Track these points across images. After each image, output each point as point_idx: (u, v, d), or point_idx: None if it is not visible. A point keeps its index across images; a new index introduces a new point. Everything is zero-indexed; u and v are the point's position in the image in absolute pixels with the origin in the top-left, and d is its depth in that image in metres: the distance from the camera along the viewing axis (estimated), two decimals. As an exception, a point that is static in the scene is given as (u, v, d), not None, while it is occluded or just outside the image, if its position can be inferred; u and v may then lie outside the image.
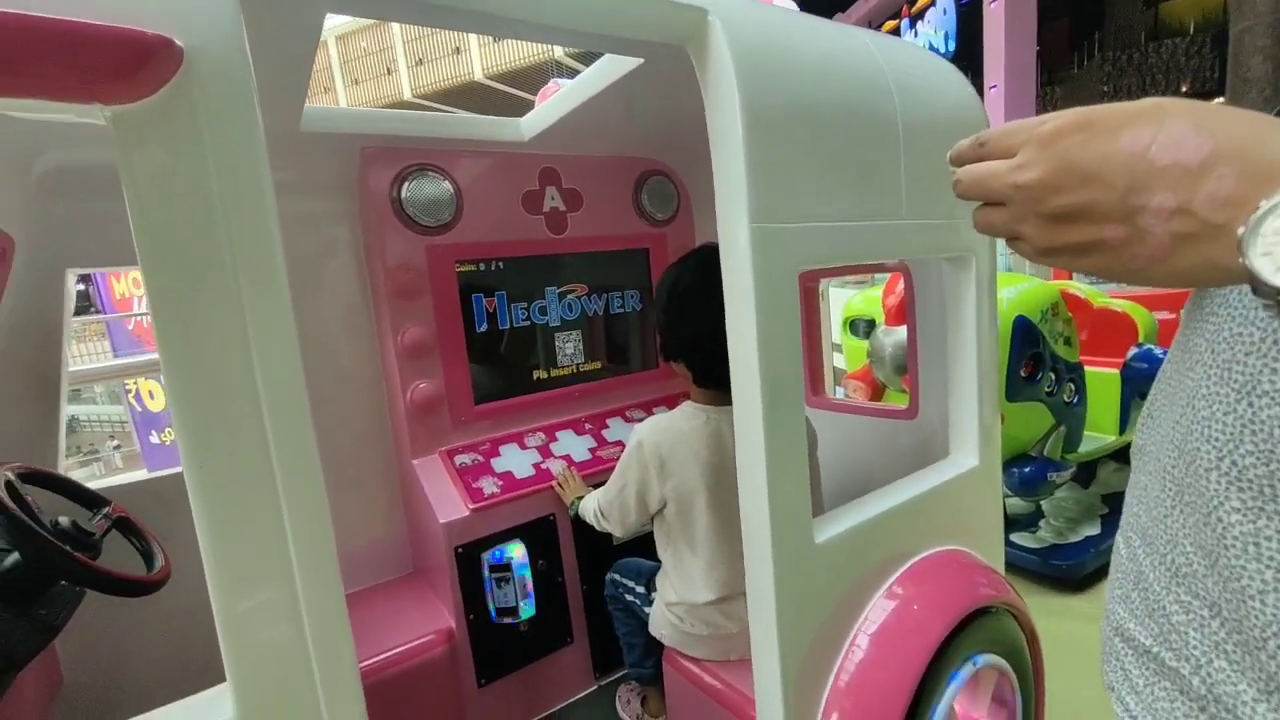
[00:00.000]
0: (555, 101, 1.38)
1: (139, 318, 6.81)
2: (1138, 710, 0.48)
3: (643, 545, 1.55)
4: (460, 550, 1.36)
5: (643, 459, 1.08)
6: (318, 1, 0.67)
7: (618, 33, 0.75)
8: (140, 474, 1.47)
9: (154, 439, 6.75)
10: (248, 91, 0.45)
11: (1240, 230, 0.31)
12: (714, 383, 1.10)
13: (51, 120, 0.87)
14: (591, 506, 1.27)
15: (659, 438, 1.07)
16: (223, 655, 0.50)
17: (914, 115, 0.92)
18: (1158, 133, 0.33)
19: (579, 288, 1.69)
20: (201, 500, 0.47)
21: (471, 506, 1.37)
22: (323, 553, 0.56)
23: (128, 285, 7.03)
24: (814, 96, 0.81)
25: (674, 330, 1.13)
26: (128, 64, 0.37)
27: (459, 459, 1.48)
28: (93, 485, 1.29)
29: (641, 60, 1.04)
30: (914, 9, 12.63)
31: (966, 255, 1.05)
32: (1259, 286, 0.30)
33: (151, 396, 6.64)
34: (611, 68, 1.15)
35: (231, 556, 0.49)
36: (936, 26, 11.96)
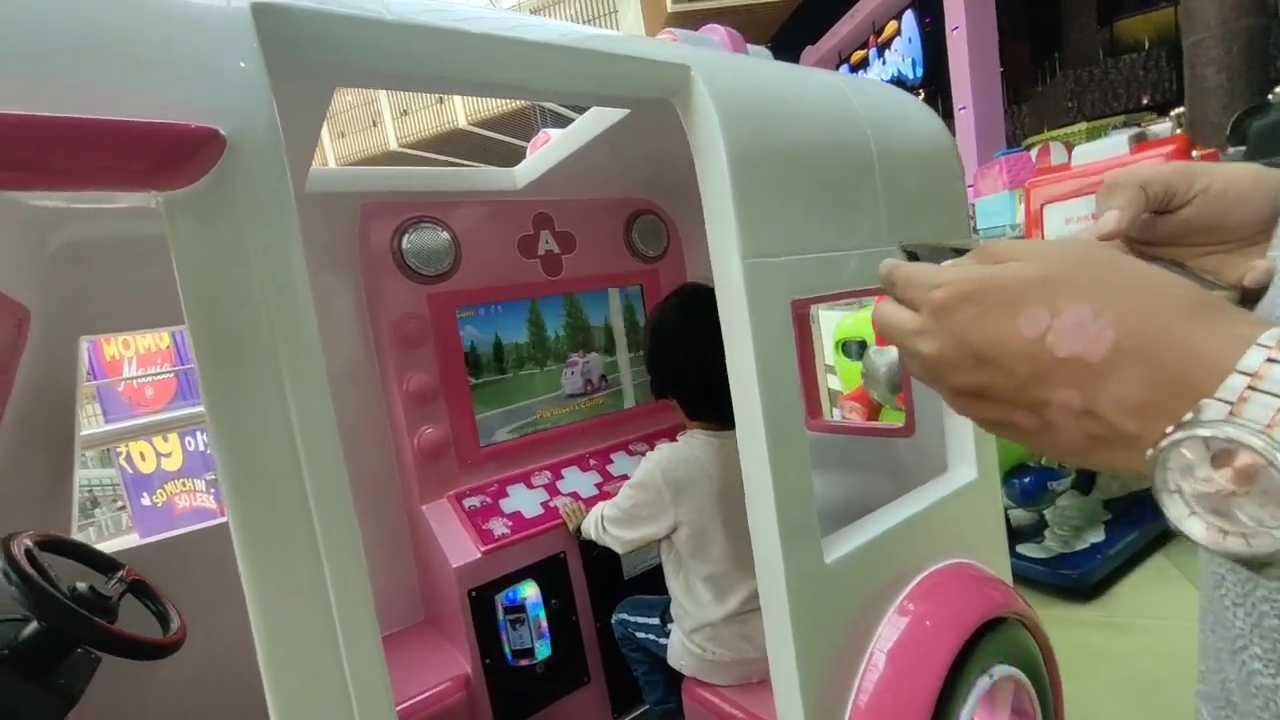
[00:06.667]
0: (547, 151, 1.44)
1: (129, 381, 6.77)
2: None
3: (646, 584, 1.56)
4: (473, 593, 1.36)
5: (658, 483, 1.11)
6: (330, 78, 0.72)
7: (607, 91, 0.80)
8: (148, 537, 1.47)
9: (145, 501, 6.64)
10: (281, 168, 0.49)
11: (1149, 453, 0.26)
12: (705, 414, 1.14)
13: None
14: (596, 514, 1.28)
15: (675, 466, 1.11)
16: (268, 698, 0.52)
17: (888, 148, 0.98)
18: (1054, 316, 0.29)
19: (577, 326, 1.73)
20: (246, 549, 0.50)
21: (482, 549, 1.38)
22: (361, 597, 0.59)
23: (117, 347, 7.03)
24: (793, 138, 0.86)
25: (657, 366, 1.19)
26: (179, 156, 0.41)
27: (467, 501, 1.49)
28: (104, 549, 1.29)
29: (628, 111, 1.10)
30: (881, 39, 13.16)
31: (948, 276, 1.10)
32: (1171, 525, 0.26)
33: (143, 458, 6.56)
34: (599, 118, 1.21)
35: (275, 603, 0.52)
36: (904, 54, 12.45)
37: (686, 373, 1.12)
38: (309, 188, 1.26)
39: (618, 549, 1.22)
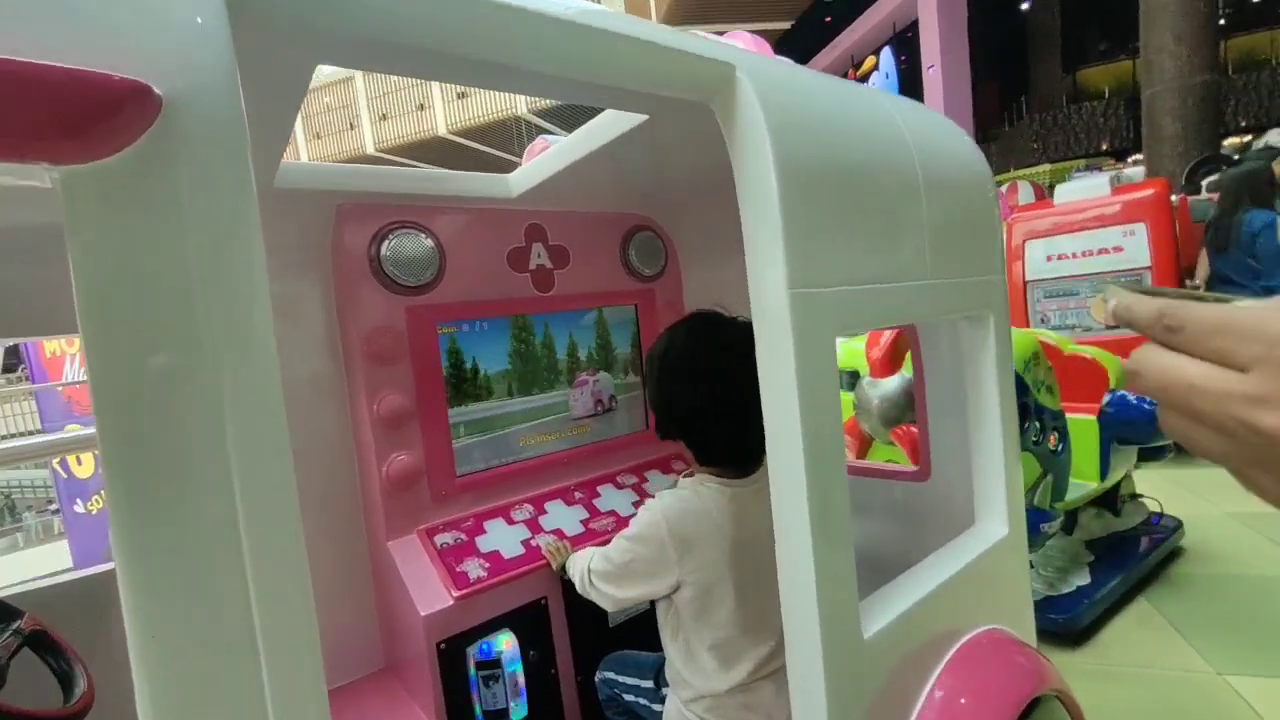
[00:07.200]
0: (546, 159, 1.33)
1: (72, 385, 6.33)
2: None
3: (633, 633, 1.42)
4: (443, 646, 1.21)
5: (661, 537, 0.96)
6: (312, 50, 0.60)
7: (642, 88, 0.70)
8: (69, 573, 1.28)
9: (79, 508, 6.20)
10: (239, 146, 0.36)
11: None
12: (718, 460, 1.01)
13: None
14: (582, 565, 1.12)
15: (683, 519, 0.97)
16: None
17: (932, 172, 0.90)
18: None
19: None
20: (138, 599, 0.36)
21: (455, 594, 1.23)
22: (306, 662, 0.45)
23: (60, 343, 6.60)
24: (844, 155, 0.77)
25: (665, 406, 1.04)
26: (86, 115, 0.29)
27: (440, 538, 1.34)
28: (13, 573, 1.10)
29: (646, 117, 1.00)
30: (859, 73, 13.52)
31: (983, 313, 1.02)
32: None
33: (79, 462, 6.13)
34: (608, 127, 1.11)
35: (171, 668, 0.38)
36: (880, 89, 12.78)
37: (700, 414, 0.98)
38: (279, 182, 1.12)
39: (606, 606, 1.08)
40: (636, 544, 1.00)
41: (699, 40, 0.71)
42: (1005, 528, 1.03)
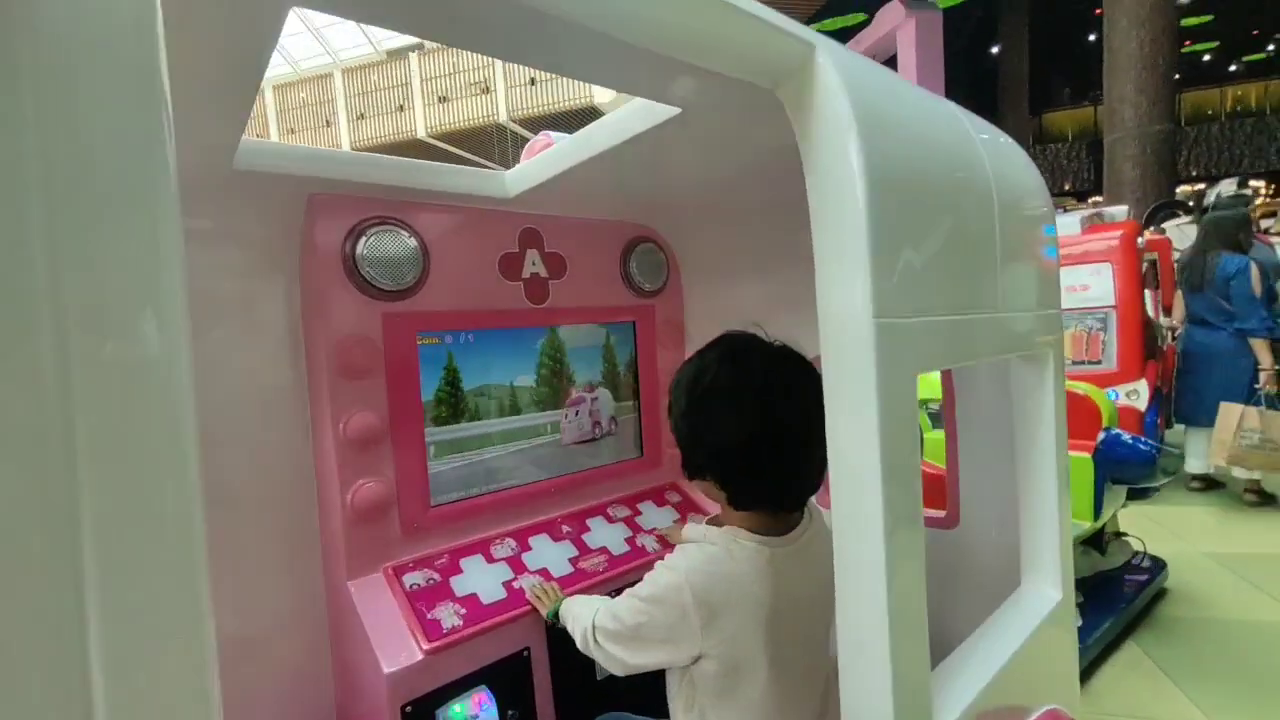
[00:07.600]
0: (550, 157, 1.19)
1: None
2: None
3: (623, 685, 1.26)
4: (408, 709, 1.04)
5: (685, 603, 0.81)
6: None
7: (700, 61, 0.57)
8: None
9: None
10: (150, 65, 0.22)
11: None
12: (756, 504, 0.87)
13: None
14: (586, 620, 0.97)
15: (711, 583, 0.81)
16: None
17: (1004, 192, 0.79)
18: None
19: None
20: None
21: (426, 647, 1.06)
22: None
23: None
24: (930, 164, 0.66)
25: (697, 440, 0.88)
26: None
27: (409, 578, 1.17)
28: None
29: (678, 111, 0.87)
30: (839, 102, 13.77)
31: (1043, 351, 0.91)
32: None
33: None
34: (632, 121, 0.98)
35: None
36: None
37: (741, 450, 0.84)
38: (239, 163, 0.95)
39: (614, 670, 0.93)
40: (652, 606, 0.85)
41: (769, 9, 0.59)
42: (1059, 592, 0.92)
